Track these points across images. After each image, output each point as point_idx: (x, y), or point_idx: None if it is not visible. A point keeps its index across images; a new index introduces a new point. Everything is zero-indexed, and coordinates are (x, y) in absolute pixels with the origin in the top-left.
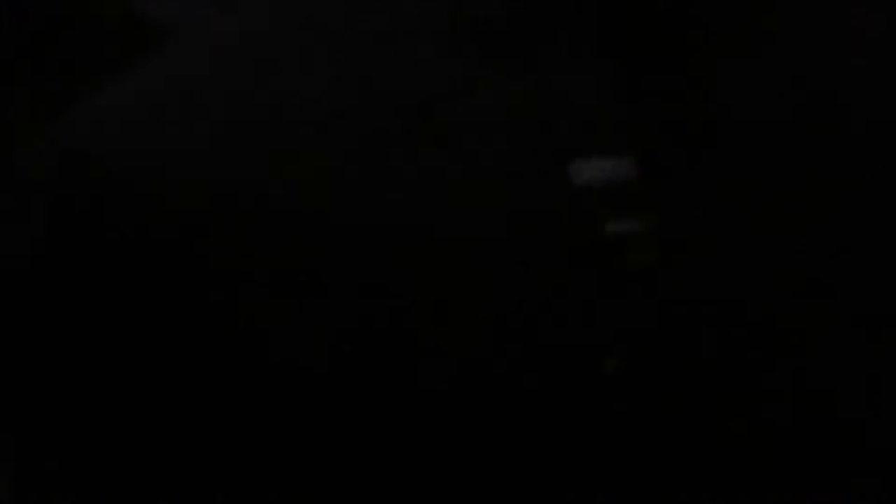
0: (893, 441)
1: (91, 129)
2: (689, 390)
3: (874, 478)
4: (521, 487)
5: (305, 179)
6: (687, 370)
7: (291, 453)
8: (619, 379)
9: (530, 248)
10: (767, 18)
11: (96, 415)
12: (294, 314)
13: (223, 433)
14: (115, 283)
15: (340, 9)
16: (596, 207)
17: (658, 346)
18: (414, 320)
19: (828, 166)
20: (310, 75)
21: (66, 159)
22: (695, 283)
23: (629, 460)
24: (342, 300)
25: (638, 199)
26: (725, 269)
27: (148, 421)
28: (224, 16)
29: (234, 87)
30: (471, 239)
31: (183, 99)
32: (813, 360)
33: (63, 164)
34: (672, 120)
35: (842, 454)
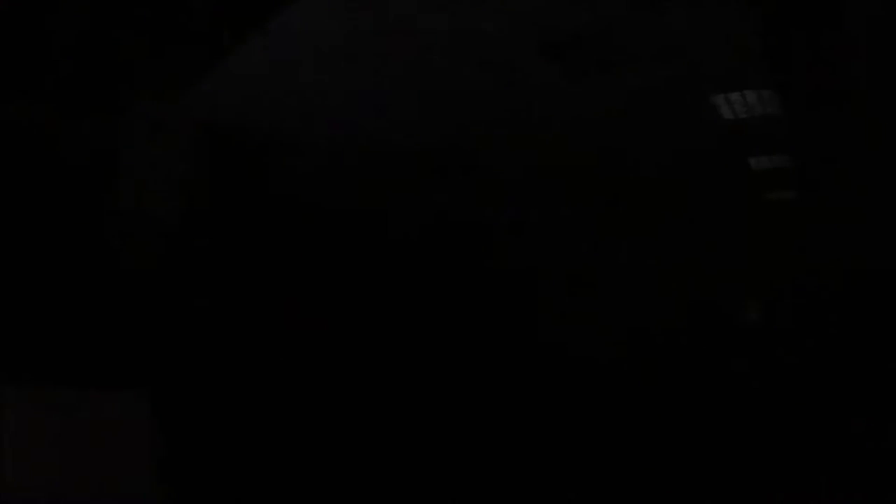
0: None
1: (226, 100)
2: (833, 343)
3: None
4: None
5: (456, 115)
6: (829, 318)
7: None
8: (760, 330)
9: (676, 181)
10: None
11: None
12: (447, 247)
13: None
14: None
15: None
16: (740, 141)
17: (800, 288)
18: (557, 257)
19: None
20: (462, 14)
21: (202, 130)
22: (837, 222)
23: (777, 401)
24: (498, 231)
25: (781, 135)
26: (867, 206)
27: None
28: None
29: (375, 31)
30: (614, 174)
31: (318, 58)
32: None
33: (199, 136)
34: (817, 56)
35: None
